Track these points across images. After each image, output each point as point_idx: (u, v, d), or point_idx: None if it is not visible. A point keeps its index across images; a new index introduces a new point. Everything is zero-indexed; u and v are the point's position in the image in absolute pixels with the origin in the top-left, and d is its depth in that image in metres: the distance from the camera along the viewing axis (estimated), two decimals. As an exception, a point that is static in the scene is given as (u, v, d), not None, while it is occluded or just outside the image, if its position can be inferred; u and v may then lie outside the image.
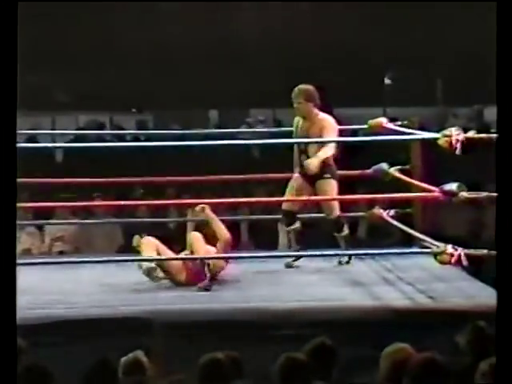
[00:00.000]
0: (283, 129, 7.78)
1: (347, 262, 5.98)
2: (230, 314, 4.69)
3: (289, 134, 6.14)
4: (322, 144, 5.77)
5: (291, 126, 6.10)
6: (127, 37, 10.51)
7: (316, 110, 5.87)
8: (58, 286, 5.47)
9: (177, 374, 3.25)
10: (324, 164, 5.75)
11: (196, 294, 5.23)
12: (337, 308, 4.74)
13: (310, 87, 5.88)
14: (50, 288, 5.42)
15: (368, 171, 6.50)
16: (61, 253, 8.02)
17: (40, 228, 8.19)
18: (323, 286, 5.37)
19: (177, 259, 5.46)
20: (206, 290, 5.25)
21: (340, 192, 5.86)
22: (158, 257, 5.44)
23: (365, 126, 6.34)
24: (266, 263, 5.99)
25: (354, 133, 6.94)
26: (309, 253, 5.91)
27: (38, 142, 10.14)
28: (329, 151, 5.73)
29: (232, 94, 11.09)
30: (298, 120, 5.99)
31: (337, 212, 5.90)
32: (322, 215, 6.10)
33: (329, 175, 5.83)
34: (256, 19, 10.38)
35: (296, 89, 5.87)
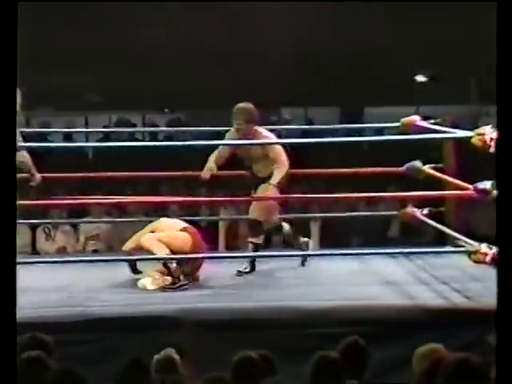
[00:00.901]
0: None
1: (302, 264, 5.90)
2: (263, 312, 4.68)
3: (318, 133, 6.10)
4: (266, 161, 5.60)
5: (322, 124, 6.06)
6: (159, 36, 10.54)
7: (258, 129, 5.65)
8: (90, 284, 5.50)
9: (210, 373, 3.24)
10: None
11: (228, 292, 5.24)
12: (370, 307, 4.72)
13: (249, 106, 5.65)
14: (82, 286, 5.45)
15: (401, 169, 6.47)
16: (95, 251, 8.06)
17: (75, 227, 8.25)
18: (356, 285, 5.35)
19: (170, 259, 5.36)
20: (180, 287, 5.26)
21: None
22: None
23: (397, 124, 6.31)
24: (296, 261, 5.99)
25: (381, 131, 6.92)
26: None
27: (73, 141, 10.24)
28: (279, 176, 5.55)
29: (263, 93, 11.10)
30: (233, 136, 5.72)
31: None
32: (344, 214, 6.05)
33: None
34: (285, 19, 10.36)
35: (235, 109, 5.65)
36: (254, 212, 5.77)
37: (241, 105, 5.65)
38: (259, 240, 5.75)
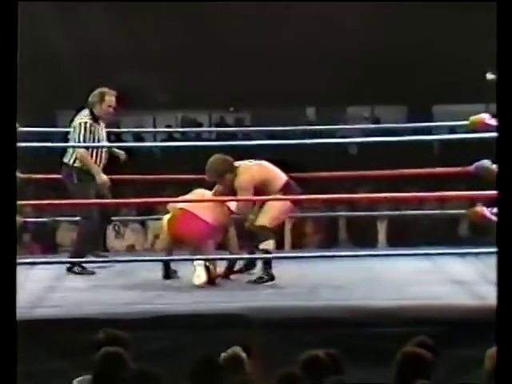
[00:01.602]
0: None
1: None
2: (330, 311, 4.66)
3: (387, 131, 6.05)
4: None
5: (389, 123, 6.01)
6: (225, 38, 10.59)
7: (234, 165, 5.49)
8: (157, 281, 5.55)
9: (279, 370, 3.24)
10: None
11: (294, 291, 5.23)
12: (438, 307, 4.67)
13: (217, 164, 5.46)
14: (151, 284, 5.51)
15: (469, 168, 6.38)
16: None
17: (143, 224, 8.33)
18: (423, 285, 5.30)
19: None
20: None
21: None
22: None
23: (466, 123, 6.23)
24: (361, 261, 5.95)
25: (454, 130, 6.85)
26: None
27: (143, 140, 10.35)
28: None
29: (329, 92, 11.06)
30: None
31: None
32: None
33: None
34: (351, 18, 10.32)
35: (207, 169, 5.49)
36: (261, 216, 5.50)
37: (210, 164, 5.51)
38: (270, 246, 5.48)
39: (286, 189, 5.52)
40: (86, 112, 5.92)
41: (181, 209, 5.54)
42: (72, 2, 9.73)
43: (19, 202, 5.84)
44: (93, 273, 5.80)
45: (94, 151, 5.89)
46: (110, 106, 5.92)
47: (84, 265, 5.80)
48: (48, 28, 9.98)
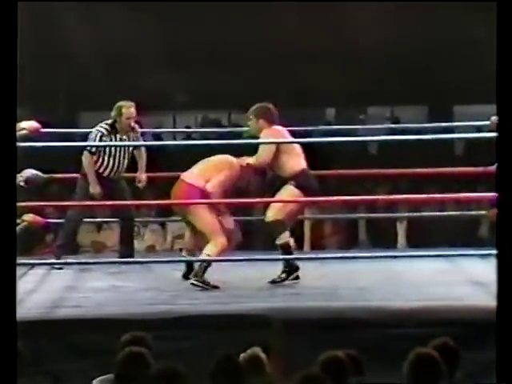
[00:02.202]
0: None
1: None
2: (351, 312, 4.65)
3: (403, 130, 6.02)
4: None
5: (409, 123, 5.99)
6: (243, 37, 10.58)
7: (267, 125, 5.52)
8: (177, 282, 5.56)
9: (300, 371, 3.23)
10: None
11: (315, 291, 5.23)
12: (458, 308, 4.65)
13: (264, 105, 5.58)
14: (169, 284, 5.52)
15: (491, 168, 6.35)
16: (181, 250, 8.13)
17: (163, 225, 8.36)
18: (444, 286, 5.28)
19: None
20: None
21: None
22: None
23: (487, 123, 6.20)
24: (381, 262, 5.93)
25: (478, 130, 6.81)
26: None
27: (162, 140, 10.38)
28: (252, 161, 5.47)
29: (349, 92, 11.03)
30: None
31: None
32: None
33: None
34: (371, 18, 10.29)
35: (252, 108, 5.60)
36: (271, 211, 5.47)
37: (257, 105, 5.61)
38: (286, 238, 5.43)
39: (300, 177, 5.46)
40: (105, 122, 6.08)
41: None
42: (91, 1, 9.78)
43: (39, 203, 5.95)
44: (61, 268, 5.91)
45: (105, 161, 6.03)
46: (128, 119, 6.07)
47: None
48: (70, 29, 10.02)
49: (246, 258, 5.81)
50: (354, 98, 11.23)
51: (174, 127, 11.55)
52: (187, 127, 11.25)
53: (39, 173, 5.99)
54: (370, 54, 10.52)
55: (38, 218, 6.16)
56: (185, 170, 5.56)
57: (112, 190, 6.07)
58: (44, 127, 5.95)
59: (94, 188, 6.02)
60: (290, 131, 5.70)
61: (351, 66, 10.72)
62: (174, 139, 10.83)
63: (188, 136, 10.91)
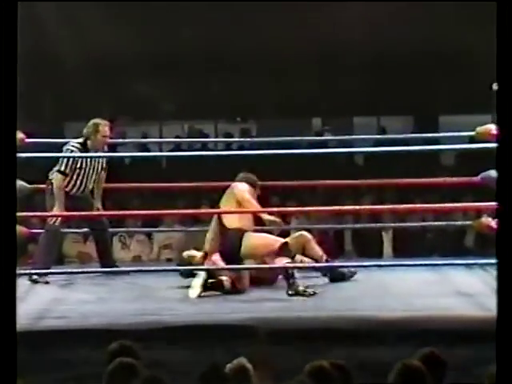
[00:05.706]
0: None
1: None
2: (337, 322, 4.65)
3: (392, 141, 6.06)
4: None
5: (396, 133, 6.02)
6: (233, 46, 10.59)
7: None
8: (165, 293, 5.55)
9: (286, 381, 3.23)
10: None
11: (301, 302, 5.22)
12: (444, 318, 4.66)
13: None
14: (157, 295, 5.51)
15: (475, 178, 6.37)
16: (169, 260, 8.13)
17: (149, 236, 8.35)
18: (430, 296, 5.28)
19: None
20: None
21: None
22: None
23: (472, 133, 6.22)
24: (367, 272, 5.94)
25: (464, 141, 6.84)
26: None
27: (149, 151, 10.37)
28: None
29: (334, 102, 11.06)
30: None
31: None
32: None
33: None
34: (358, 24, 10.31)
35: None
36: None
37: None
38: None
39: None
40: (76, 141, 6.05)
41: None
42: (82, 9, 9.76)
43: (24, 214, 5.95)
44: (47, 282, 5.88)
45: (74, 178, 6.04)
46: (104, 137, 6.06)
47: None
48: (57, 38, 10.00)
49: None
50: (340, 108, 11.26)
51: (161, 137, 11.54)
52: (177, 137, 11.26)
53: (24, 183, 5.98)
54: (356, 64, 10.55)
55: (23, 229, 6.13)
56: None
57: (77, 207, 6.03)
58: (29, 138, 5.94)
59: (59, 209, 5.98)
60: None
61: (337, 77, 10.75)
62: (161, 150, 10.81)
63: (177, 146, 10.89)
